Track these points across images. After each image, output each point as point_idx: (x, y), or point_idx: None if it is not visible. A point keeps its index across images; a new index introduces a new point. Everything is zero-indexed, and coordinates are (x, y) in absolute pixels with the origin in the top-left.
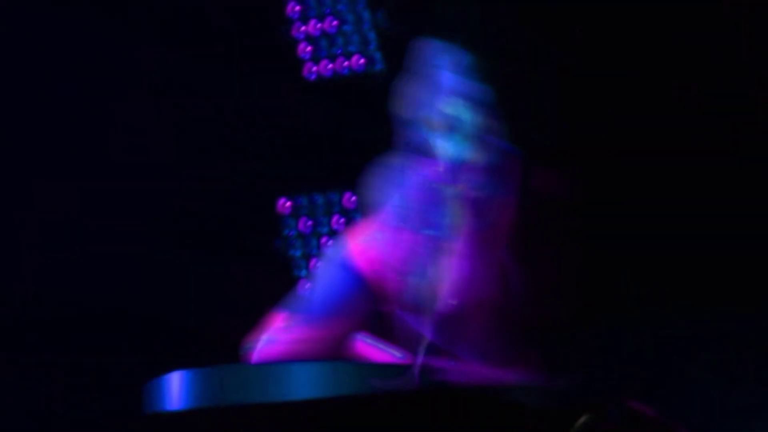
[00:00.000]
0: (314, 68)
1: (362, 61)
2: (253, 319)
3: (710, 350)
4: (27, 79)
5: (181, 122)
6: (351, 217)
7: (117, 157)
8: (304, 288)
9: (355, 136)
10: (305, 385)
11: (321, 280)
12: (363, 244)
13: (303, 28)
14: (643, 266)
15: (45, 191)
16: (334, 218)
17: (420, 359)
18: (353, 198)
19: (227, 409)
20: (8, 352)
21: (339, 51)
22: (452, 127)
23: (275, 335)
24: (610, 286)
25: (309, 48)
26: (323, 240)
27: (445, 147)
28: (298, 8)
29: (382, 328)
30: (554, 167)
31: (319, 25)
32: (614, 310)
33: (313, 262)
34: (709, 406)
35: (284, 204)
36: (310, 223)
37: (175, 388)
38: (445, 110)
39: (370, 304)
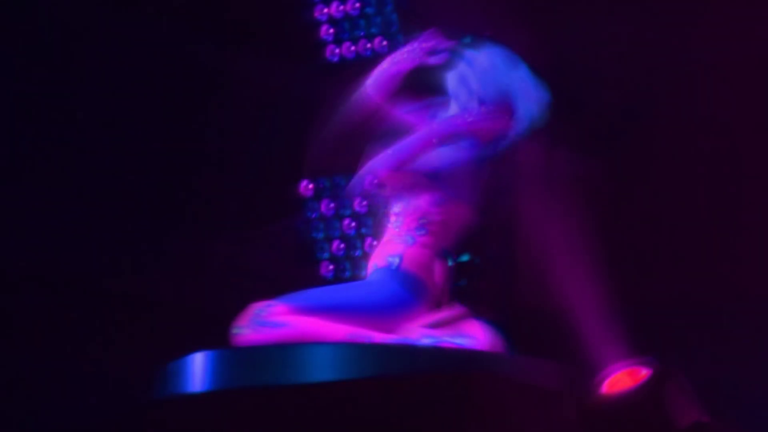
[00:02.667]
0: (336, 50)
1: (385, 43)
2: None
3: (728, 342)
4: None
5: (202, 106)
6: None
7: (137, 139)
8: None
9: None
10: (327, 366)
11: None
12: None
13: (325, 10)
14: (665, 254)
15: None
16: (357, 201)
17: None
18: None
19: (248, 390)
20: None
21: (361, 33)
22: None
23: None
24: (631, 273)
25: (331, 30)
26: (345, 222)
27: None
28: None
29: None
30: (579, 152)
31: (341, 7)
32: (637, 297)
33: (335, 244)
34: (730, 397)
35: (306, 186)
36: (332, 205)
37: (197, 370)
38: None
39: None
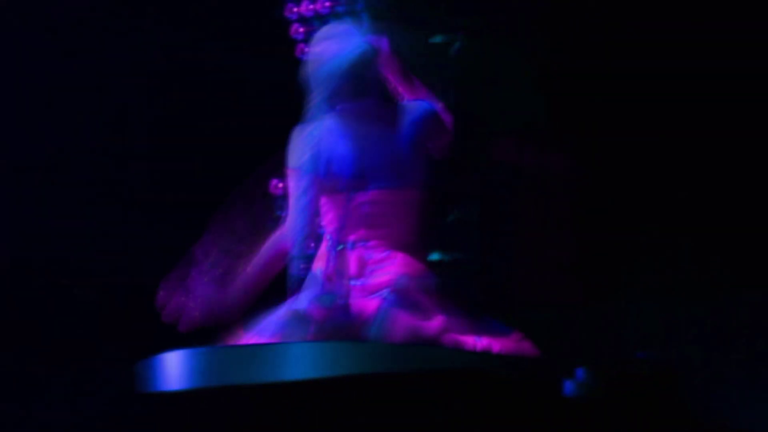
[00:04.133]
0: (307, 49)
1: None
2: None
3: (710, 333)
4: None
5: (172, 103)
6: None
7: (110, 135)
8: None
9: None
10: (301, 365)
11: None
12: None
13: (295, 9)
14: (644, 250)
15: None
16: None
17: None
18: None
19: (222, 389)
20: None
21: None
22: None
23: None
24: (610, 269)
25: (302, 29)
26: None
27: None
28: None
29: None
30: (555, 147)
31: (311, 6)
32: (615, 292)
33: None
34: (708, 387)
35: (276, 185)
36: None
37: (171, 369)
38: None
39: None
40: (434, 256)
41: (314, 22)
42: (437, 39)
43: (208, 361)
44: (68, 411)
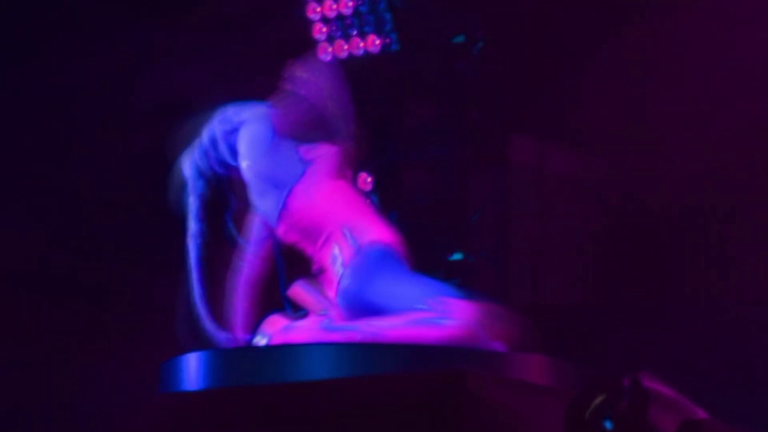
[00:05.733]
0: (330, 49)
1: (378, 42)
2: (262, 301)
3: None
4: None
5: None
6: (368, 196)
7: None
8: None
9: (370, 117)
10: (322, 365)
11: None
12: None
13: (318, 9)
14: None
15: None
16: None
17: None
18: (369, 179)
19: (243, 389)
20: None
21: (355, 32)
22: None
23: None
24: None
25: (324, 29)
26: None
27: None
28: None
29: None
30: (574, 151)
31: (334, 6)
32: (627, 299)
33: None
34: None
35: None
36: None
37: (193, 369)
38: None
39: None
40: (456, 256)
41: (337, 22)
42: (459, 39)
43: (229, 362)
44: (85, 411)
